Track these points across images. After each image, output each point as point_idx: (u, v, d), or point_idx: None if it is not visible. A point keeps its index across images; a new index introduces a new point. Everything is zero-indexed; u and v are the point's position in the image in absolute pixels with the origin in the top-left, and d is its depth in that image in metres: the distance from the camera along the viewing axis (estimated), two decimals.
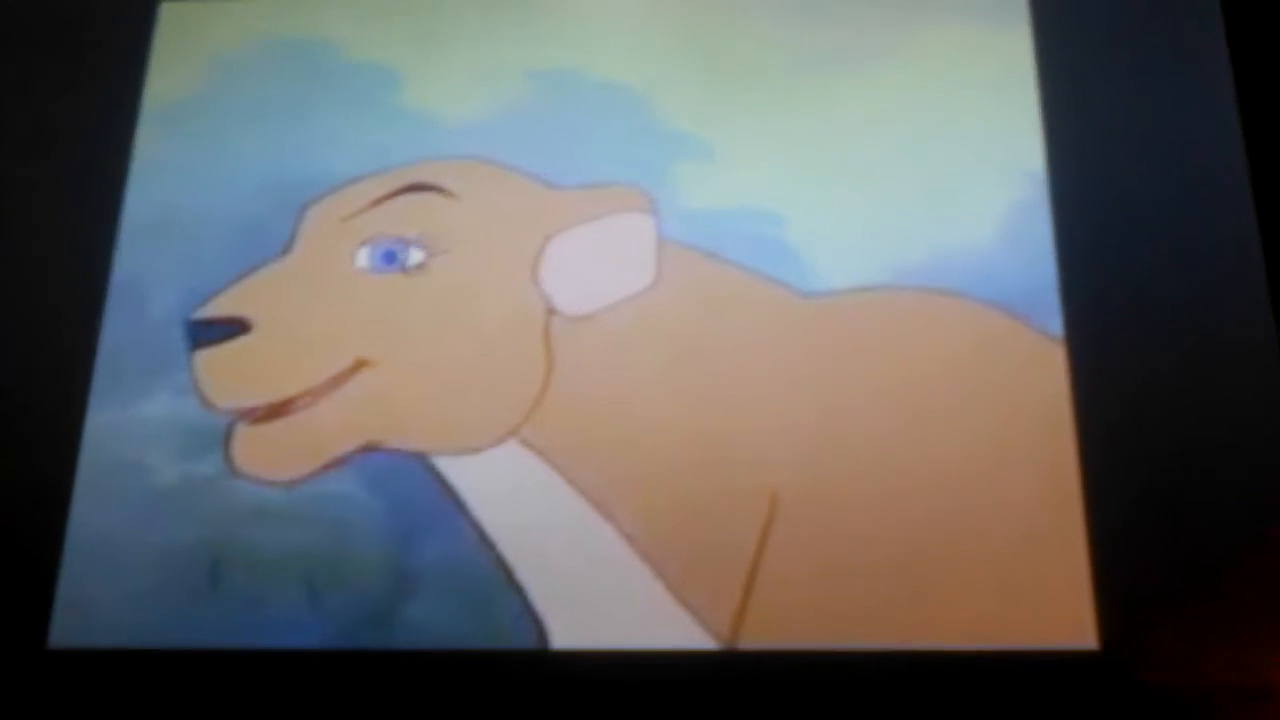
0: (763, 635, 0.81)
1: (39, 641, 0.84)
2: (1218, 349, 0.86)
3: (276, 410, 0.88)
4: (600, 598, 0.83)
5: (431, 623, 0.82)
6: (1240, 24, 0.95)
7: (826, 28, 0.97)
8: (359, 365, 0.89)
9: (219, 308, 0.91)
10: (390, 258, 0.92)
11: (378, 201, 0.94)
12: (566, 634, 0.82)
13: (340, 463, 0.87)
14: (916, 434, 0.85)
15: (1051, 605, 0.81)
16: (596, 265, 0.91)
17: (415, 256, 0.92)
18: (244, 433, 0.88)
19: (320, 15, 1.01)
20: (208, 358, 0.90)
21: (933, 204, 0.91)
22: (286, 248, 0.93)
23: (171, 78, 0.99)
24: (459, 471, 0.86)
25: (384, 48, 0.99)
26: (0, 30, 1.01)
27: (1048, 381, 0.86)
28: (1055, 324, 0.87)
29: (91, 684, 0.83)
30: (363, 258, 0.92)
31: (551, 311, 0.90)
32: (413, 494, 0.86)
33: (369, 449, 0.87)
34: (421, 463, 0.87)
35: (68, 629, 0.84)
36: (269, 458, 0.87)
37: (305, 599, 0.83)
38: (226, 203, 0.95)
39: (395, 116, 0.96)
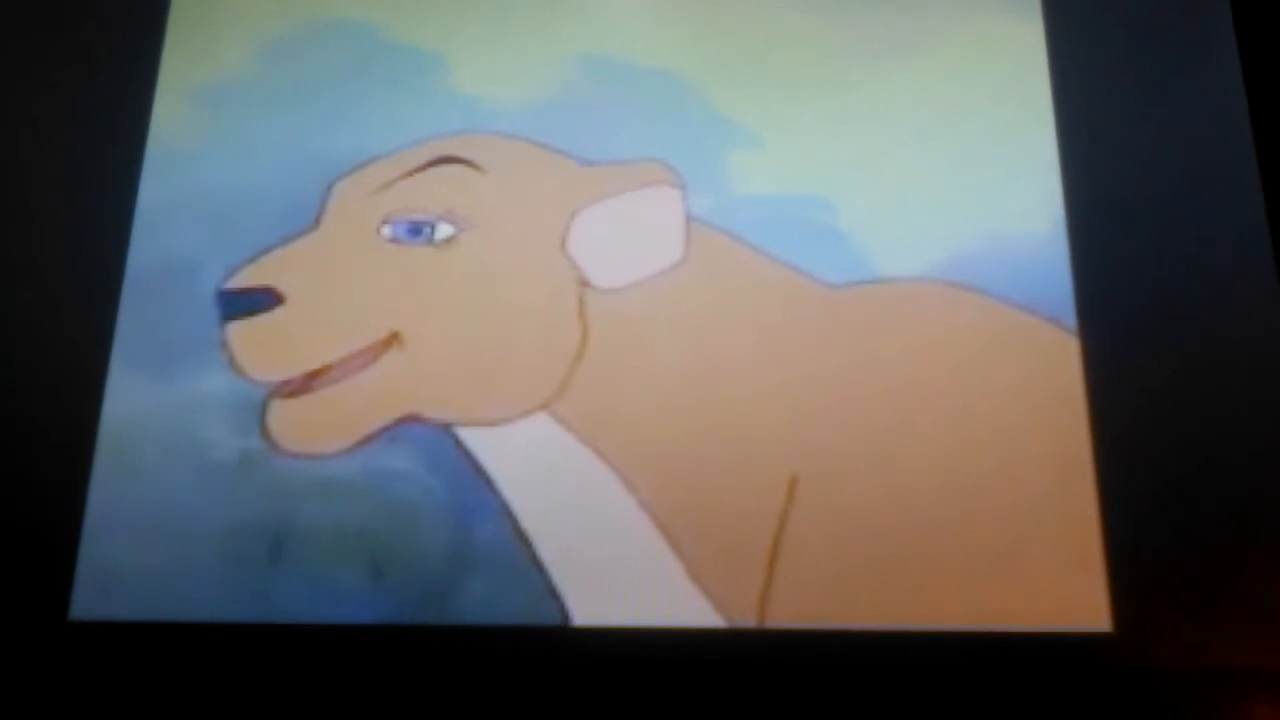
0: (781, 615, 0.82)
1: (60, 614, 0.83)
2: (1229, 339, 0.89)
3: (310, 382, 0.88)
4: (622, 576, 0.83)
5: (472, 599, 0.83)
6: (1248, 17, 0.97)
7: (864, 22, 0.98)
8: (392, 338, 0.89)
9: (248, 278, 0.90)
10: (417, 231, 0.92)
11: (406, 175, 0.93)
12: (587, 611, 0.83)
13: (377, 436, 0.86)
14: (936, 421, 0.87)
15: (1066, 588, 0.83)
16: (624, 238, 0.92)
17: (444, 230, 0.92)
18: (279, 406, 0.87)
19: None
20: (241, 330, 0.89)
21: (953, 198, 0.93)
22: (314, 224, 0.92)
23: (216, 58, 0.98)
24: (490, 446, 0.86)
25: (424, 31, 0.98)
26: (23, 13, 0.99)
27: (1062, 372, 0.88)
28: (1070, 317, 0.90)
29: (114, 656, 0.82)
30: (390, 231, 0.92)
31: (584, 284, 0.91)
32: (447, 468, 0.86)
33: (405, 421, 0.87)
34: (453, 437, 0.86)
35: (88, 602, 0.83)
36: (306, 431, 0.86)
37: (361, 575, 0.83)
38: (264, 182, 0.93)
39: (433, 100, 0.96)
